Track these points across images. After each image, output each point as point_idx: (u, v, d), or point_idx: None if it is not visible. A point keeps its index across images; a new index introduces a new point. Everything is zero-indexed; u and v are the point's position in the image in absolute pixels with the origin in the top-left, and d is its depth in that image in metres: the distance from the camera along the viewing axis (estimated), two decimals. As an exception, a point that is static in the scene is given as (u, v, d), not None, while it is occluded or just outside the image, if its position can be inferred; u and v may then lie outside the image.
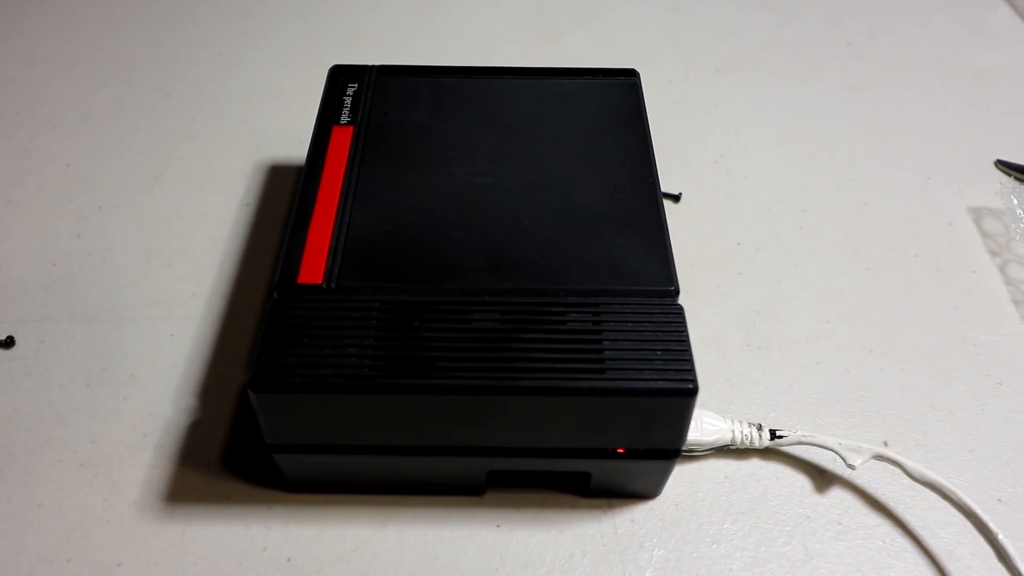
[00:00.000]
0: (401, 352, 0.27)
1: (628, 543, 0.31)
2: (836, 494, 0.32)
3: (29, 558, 0.29)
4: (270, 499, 0.31)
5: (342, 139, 0.34)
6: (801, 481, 0.33)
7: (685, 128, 0.48)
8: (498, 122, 0.35)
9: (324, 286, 0.28)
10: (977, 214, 0.43)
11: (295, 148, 0.46)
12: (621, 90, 0.37)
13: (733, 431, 0.32)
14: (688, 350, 0.27)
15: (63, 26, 0.54)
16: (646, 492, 0.32)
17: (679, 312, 0.28)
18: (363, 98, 0.36)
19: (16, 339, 0.36)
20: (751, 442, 0.32)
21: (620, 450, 0.29)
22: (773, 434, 0.32)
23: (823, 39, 0.55)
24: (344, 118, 0.35)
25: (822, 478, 0.33)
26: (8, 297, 0.38)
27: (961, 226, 0.43)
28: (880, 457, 0.31)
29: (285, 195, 0.43)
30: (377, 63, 0.38)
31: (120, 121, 0.47)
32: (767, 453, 0.33)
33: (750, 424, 0.32)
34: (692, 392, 0.26)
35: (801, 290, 0.39)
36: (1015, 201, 0.44)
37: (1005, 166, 0.46)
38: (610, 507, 0.31)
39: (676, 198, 0.43)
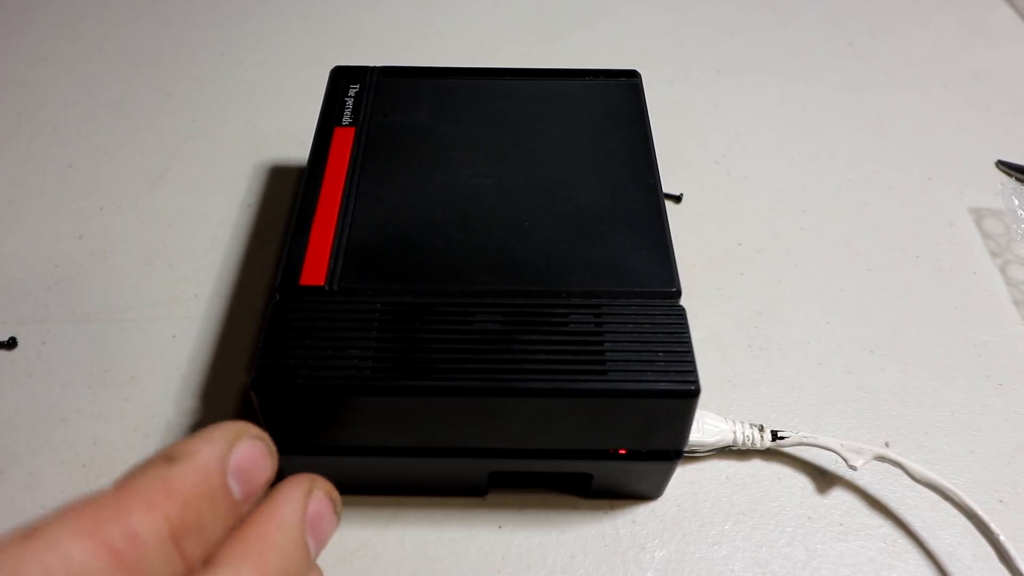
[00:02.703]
0: (403, 353, 0.27)
1: (629, 544, 0.31)
2: (837, 495, 0.32)
3: (31, 559, 0.29)
4: (272, 500, 0.31)
5: (344, 140, 0.34)
6: (802, 482, 0.33)
7: (686, 129, 0.48)
8: (499, 123, 0.35)
9: (326, 287, 0.28)
10: (978, 215, 0.43)
11: (296, 149, 0.46)
12: (622, 91, 0.37)
13: (734, 432, 0.32)
14: (690, 351, 0.27)
15: (64, 27, 0.54)
16: (648, 493, 0.32)
17: (681, 313, 0.28)
18: (365, 99, 0.36)
19: (18, 340, 0.36)
20: (752, 443, 0.32)
21: (622, 451, 0.29)
22: (774, 435, 0.32)
23: (824, 39, 0.55)
24: (346, 119, 0.35)
25: (823, 479, 0.33)
26: (10, 298, 0.38)
27: (962, 227, 0.43)
28: (881, 458, 0.31)
29: (286, 196, 0.43)
30: (378, 64, 0.38)
31: (121, 122, 0.47)
32: (768, 454, 0.33)
33: (751, 425, 0.32)
34: (694, 393, 0.26)
35: (802, 291, 0.39)
36: (1016, 202, 0.44)
37: (1006, 166, 0.46)
38: (612, 508, 0.32)
39: (677, 199, 0.43)
